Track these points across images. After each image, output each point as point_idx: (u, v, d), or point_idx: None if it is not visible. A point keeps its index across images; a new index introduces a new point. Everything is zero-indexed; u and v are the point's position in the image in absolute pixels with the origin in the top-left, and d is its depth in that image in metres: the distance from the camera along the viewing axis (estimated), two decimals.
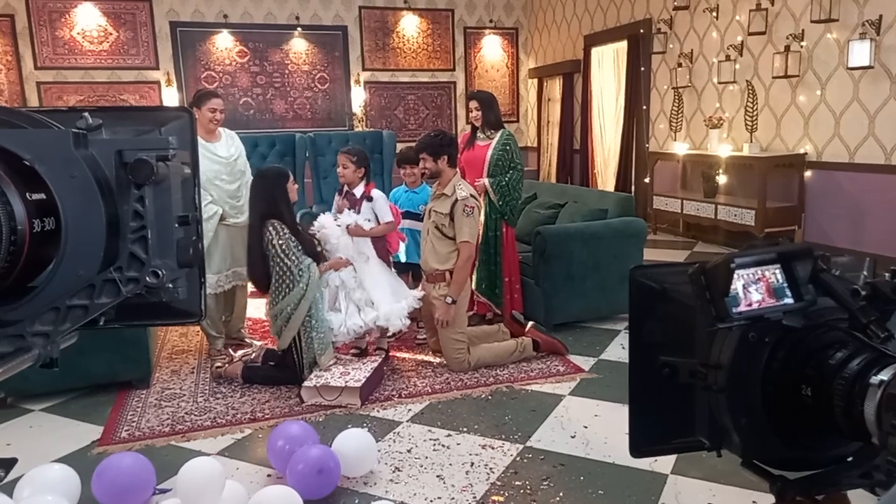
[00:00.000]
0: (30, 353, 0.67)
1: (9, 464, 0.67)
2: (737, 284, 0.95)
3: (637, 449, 1.10)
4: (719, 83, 6.84)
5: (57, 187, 0.67)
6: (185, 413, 3.27)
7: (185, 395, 3.51)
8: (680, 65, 7.37)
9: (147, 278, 0.70)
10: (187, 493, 2.22)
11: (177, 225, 0.73)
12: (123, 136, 0.75)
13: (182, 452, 2.86)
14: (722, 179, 6.75)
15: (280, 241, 3.39)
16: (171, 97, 8.97)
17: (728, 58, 6.66)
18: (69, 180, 0.68)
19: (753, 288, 0.96)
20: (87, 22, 8.70)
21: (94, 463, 2.77)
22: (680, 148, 7.30)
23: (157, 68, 9.03)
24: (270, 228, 3.40)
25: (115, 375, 3.53)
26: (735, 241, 6.64)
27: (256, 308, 4.75)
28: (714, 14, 6.86)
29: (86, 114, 0.73)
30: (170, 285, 0.72)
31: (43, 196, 0.67)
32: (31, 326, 0.68)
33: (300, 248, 3.45)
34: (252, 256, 3.53)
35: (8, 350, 0.67)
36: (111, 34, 8.83)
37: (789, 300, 0.98)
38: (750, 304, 0.96)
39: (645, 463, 2.68)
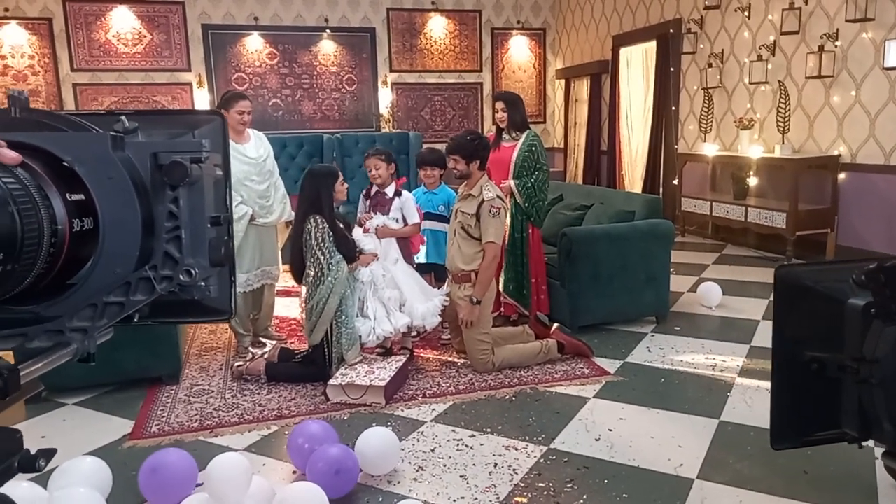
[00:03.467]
0: (69, 348, 0.70)
1: (49, 454, 0.69)
2: None
3: (779, 441, 1.14)
4: (751, 84, 6.74)
5: (95, 188, 0.69)
6: (213, 409, 3.33)
7: (213, 391, 3.57)
8: (710, 65, 7.27)
9: (181, 276, 0.72)
10: (215, 487, 2.26)
11: (209, 225, 0.75)
12: (158, 138, 0.77)
13: (210, 448, 2.91)
14: (752, 181, 6.64)
15: (318, 234, 3.48)
16: (202, 98, 9.12)
17: (760, 58, 6.56)
18: (107, 181, 0.70)
19: None
20: (122, 25, 8.89)
21: (125, 456, 2.85)
22: (710, 149, 7.21)
23: (189, 70, 9.19)
24: (311, 221, 3.51)
25: (146, 371, 3.60)
26: (766, 244, 6.54)
27: (284, 307, 4.81)
28: (746, 13, 6.76)
29: (123, 117, 0.75)
30: (202, 283, 0.75)
31: (82, 196, 0.69)
32: (70, 322, 0.70)
33: (335, 244, 3.50)
34: (293, 249, 3.65)
35: (48, 345, 0.70)
36: (145, 37, 9.01)
37: None
38: None
39: (670, 467, 2.66)
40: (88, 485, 2.35)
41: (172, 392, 3.55)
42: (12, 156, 0.63)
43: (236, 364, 3.77)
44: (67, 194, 0.67)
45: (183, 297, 0.76)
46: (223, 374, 3.81)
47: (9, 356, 0.66)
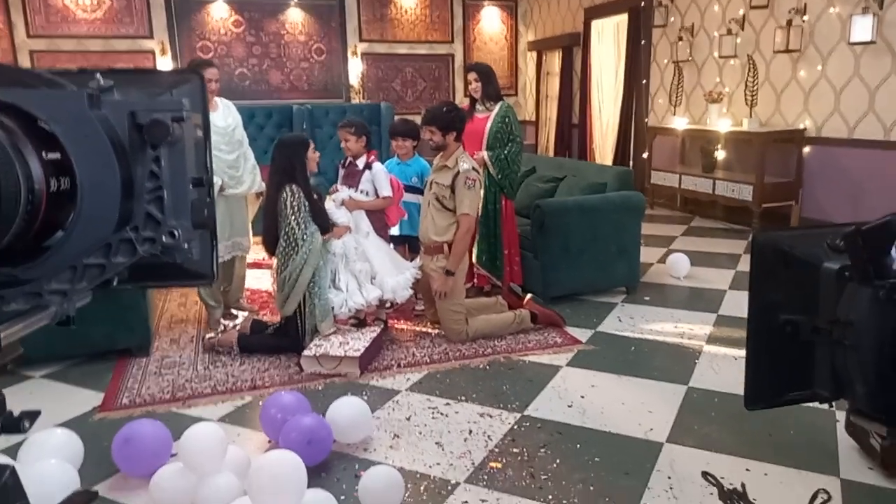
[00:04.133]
0: (47, 311, 0.68)
1: (33, 415, 0.68)
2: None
3: (753, 402, 1.18)
4: (720, 57, 6.80)
5: (72, 148, 0.67)
6: (185, 381, 3.30)
7: (184, 363, 3.53)
8: (681, 38, 7.31)
9: (164, 238, 0.71)
10: (190, 457, 2.25)
11: (191, 186, 0.74)
12: (136, 97, 0.75)
13: (182, 419, 2.89)
14: (721, 155, 6.74)
15: (294, 203, 3.43)
16: (165, 66, 8.86)
17: (729, 32, 6.61)
18: (84, 140, 0.68)
19: None
20: None
21: (95, 428, 2.82)
22: (679, 123, 7.28)
23: (152, 37, 8.92)
24: (287, 190, 3.46)
25: (114, 343, 3.55)
26: (733, 216, 6.67)
27: (255, 279, 4.76)
28: None
29: (98, 75, 0.73)
30: (185, 245, 0.73)
31: (58, 156, 0.67)
32: (49, 284, 0.69)
33: (310, 214, 3.47)
34: (266, 219, 3.58)
35: (25, 307, 0.68)
36: (104, 2, 8.70)
37: None
38: None
39: (640, 431, 2.73)
40: (59, 456, 2.32)
41: (143, 364, 3.51)
42: None
43: (208, 336, 3.74)
44: (44, 152, 0.65)
45: (164, 259, 0.74)
46: (194, 346, 3.77)
47: None
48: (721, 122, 6.63)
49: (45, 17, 8.51)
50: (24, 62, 8.49)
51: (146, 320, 3.65)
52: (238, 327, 3.74)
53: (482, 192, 4.12)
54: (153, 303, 4.14)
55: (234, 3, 9.15)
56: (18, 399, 3.13)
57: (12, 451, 2.37)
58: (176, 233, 0.71)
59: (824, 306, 1.07)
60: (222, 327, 3.86)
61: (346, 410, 2.63)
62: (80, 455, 2.45)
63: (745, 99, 6.46)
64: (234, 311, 4.25)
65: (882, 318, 1.02)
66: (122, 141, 0.71)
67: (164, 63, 8.87)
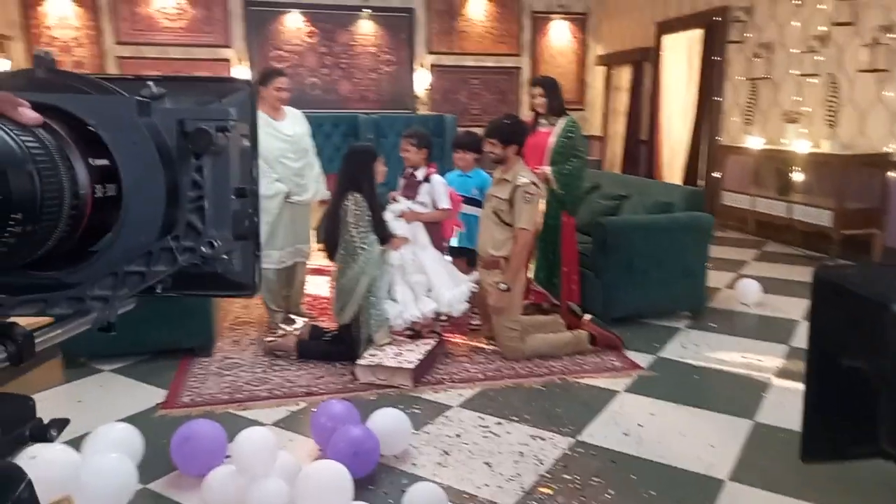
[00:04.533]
0: (88, 316, 0.68)
1: (62, 423, 0.68)
2: None
3: (810, 455, 1.07)
4: (800, 75, 6.51)
5: (119, 154, 0.67)
6: (244, 383, 3.36)
7: (244, 364, 3.60)
8: (757, 55, 7.05)
9: (202, 248, 0.70)
10: (242, 460, 2.28)
11: (234, 196, 0.72)
12: (185, 105, 0.74)
13: (239, 421, 2.93)
14: (798, 176, 6.44)
15: (356, 212, 3.46)
16: (241, 75, 9.16)
17: (810, 49, 6.33)
18: (131, 147, 0.68)
19: None
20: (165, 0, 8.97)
21: (156, 424, 2.89)
22: (754, 142, 7.01)
23: (229, 46, 9.25)
24: (351, 198, 3.49)
25: (179, 342, 3.66)
26: (809, 242, 6.35)
27: (316, 285, 4.83)
28: (798, 2, 6.52)
29: (150, 82, 0.73)
30: (224, 256, 0.72)
31: (106, 162, 0.67)
32: (91, 290, 0.68)
33: (371, 224, 3.49)
34: (328, 225, 3.62)
35: (68, 312, 0.68)
36: (187, 12, 9.09)
37: None
38: None
39: (700, 466, 2.60)
40: (120, 450, 2.38)
41: (205, 364, 3.59)
42: (33, 116, 0.61)
43: (268, 339, 3.80)
44: (90, 159, 0.65)
45: (206, 269, 0.73)
46: (255, 348, 3.84)
47: (26, 322, 0.64)
48: (799, 143, 6.33)
49: (132, 24, 8.95)
50: (112, 68, 8.95)
51: (210, 321, 3.74)
52: (297, 332, 3.79)
53: (542, 206, 4.06)
54: (217, 304, 4.25)
55: (309, 14, 9.40)
56: (88, 391, 3.27)
57: (76, 443, 2.45)
58: (215, 243, 0.70)
59: (894, 352, 0.96)
60: (282, 331, 3.92)
61: (386, 421, 2.61)
62: (140, 450, 2.51)
63: (826, 119, 6.16)
64: (293, 316, 4.31)
65: None
66: (170, 149, 0.71)
67: (240, 71, 9.18)
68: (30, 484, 0.68)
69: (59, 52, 8.72)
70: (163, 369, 3.51)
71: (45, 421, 0.68)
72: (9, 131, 0.57)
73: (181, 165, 0.71)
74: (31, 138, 0.59)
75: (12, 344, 0.61)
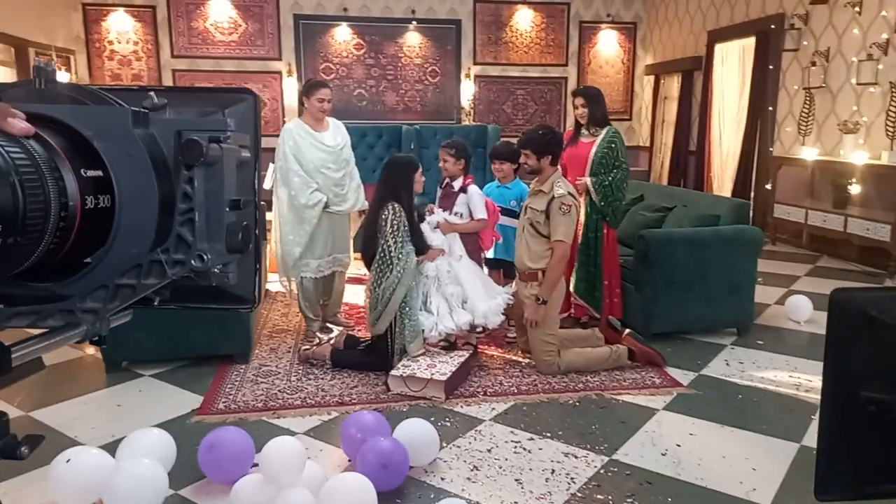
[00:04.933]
0: (78, 329, 0.68)
1: (35, 441, 0.67)
2: None
3: (824, 491, 0.99)
4: (858, 84, 6.25)
5: (114, 165, 0.67)
6: (278, 391, 3.39)
7: (280, 373, 3.63)
8: (814, 63, 6.80)
9: (192, 262, 0.69)
10: (270, 469, 2.28)
11: (228, 209, 0.71)
12: (185, 116, 0.74)
13: (271, 429, 2.96)
14: (855, 189, 6.17)
15: (395, 221, 3.47)
16: (290, 87, 9.36)
17: (870, 57, 6.07)
18: (126, 158, 0.67)
19: None
20: (220, 14, 9.24)
21: (191, 431, 2.93)
22: (808, 153, 6.75)
23: (280, 59, 9.45)
24: (389, 208, 3.50)
25: (218, 349, 3.71)
26: (866, 257, 6.07)
27: (354, 294, 4.85)
28: (856, 9, 6.27)
29: (151, 93, 0.73)
30: (216, 270, 0.71)
31: (100, 173, 0.67)
32: (82, 303, 0.68)
33: (409, 235, 3.49)
34: (366, 234, 3.64)
35: (59, 324, 0.68)
36: (240, 26, 9.33)
37: None
38: None
39: (741, 490, 2.49)
40: (153, 456, 2.42)
41: (241, 371, 3.64)
42: (22, 126, 0.61)
43: (303, 347, 3.83)
44: (83, 170, 0.65)
45: (201, 282, 0.72)
46: (291, 356, 3.88)
47: (4, 335, 0.64)
48: (856, 155, 6.07)
49: (188, 38, 9.24)
50: (168, 80, 9.25)
51: (249, 329, 3.80)
52: (332, 341, 3.81)
53: (582, 218, 3.99)
54: (257, 312, 4.31)
55: (357, 26, 9.53)
56: (128, 396, 3.35)
57: (112, 447, 2.50)
58: (205, 256, 0.69)
59: None
60: (318, 340, 3.94)
61: (413, 433, 2.59)
62: (173, 457, 2.55)
63: (887, 130, 5.89)
64: (330, 325, 4.34)
65: None
66: (167, 160, 0.70)
67: (290, 83, 9.37)
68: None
69: (118, 65, 9.08)
70: (201, 375, 3.56)
71: (19, 437, 0.68)
72: None
73: (178, 176, 0.70)
74: (17, 149, 0.59)
75: None
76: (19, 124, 0.60)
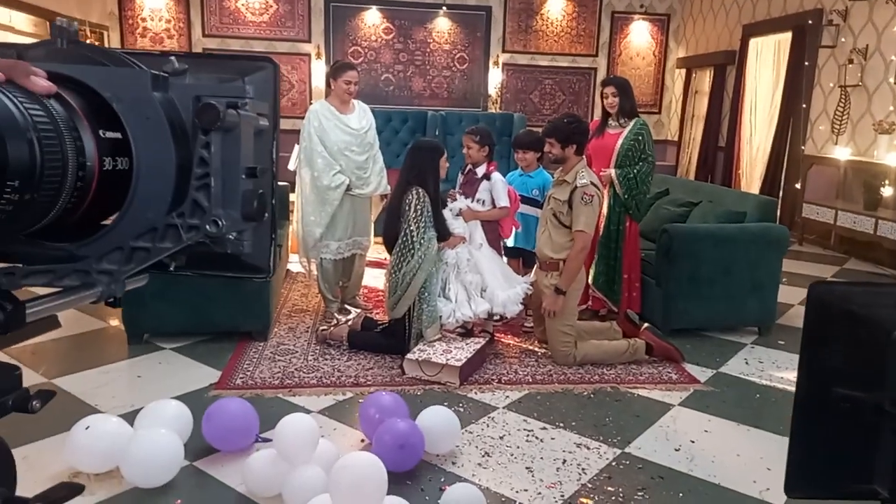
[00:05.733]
0: (94, 290, 0.69)
1: (46, 396, 0.68)
2: None
3: (794, 489, 0.98)
4: None
5: (132, 127, 0.67)
6: (295, 369, 3.42)
7: (297, 351, 3.66)
8: (851, 61, 6.63)
9: (207, 227, 0.69)
10: (283, 445, 2.31)
11: (244, 176, 0.71)
12: (204, 82, 0.74)
13: (286, 406, 2.99)
14: (887, 191, 6.03)
15: (418, 206, 3.46)
16: (319, 69, 9.36)
17: None
18: (144, 121, 0.68)
19: None
20: None
21: (208, 404, 2.96)
22: (841, 153, 6.61)
23: (309, 41, 9.45)
24: (414, 192, 3.49)
25: (238, 325, 3.76)
26: None
27: (373, 277, 4.87)
28: None
29: (172, 58, 0.73)
30: (231, 237, 0.71)
31: (119, 135, 0.67)
32: (98, 264, 0.69)
33: (431, 220, 3.48)
34: (389, 218, 3.63)
35: (75, 284, 0.69)
36: (271, 7, 9.34)
37: None
38: None
39: (755, 489, 2.46)
40: (170, 427, 2.47)
41: (260, 348, 3.68)
42: (44, 85, 0.61)
43: (321, 328, 3.86)
44: (102, 131, 0.65)
45: (216, 249, 0.72)
46: (309, 336, 3.91)
47: (21, 293, 0.65)
48: (891, 156, 5.93)
49: (219, 17, 9.28)
50: None
51: (269, 307, 3.83)
52: (350, 323, 3.83)
53: (605, 210, 3.95)
54: (277, 290, 4.34)
55: (387, 10, 9.50)
56: (148, 368, 3.40)
57: (131, 417, 2.55)
58: (220, 222, 0.69)
59: (894, 382, 0.85)
60: (336, 321, 3.97)
61: (436, 419, 2.59)
62: (189, 428, 2.59)
63: None
64: (349, 307, 4.36)
65: None
66: (185, 124, 0.70)
67: (318, 66, 9.37)
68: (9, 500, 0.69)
69: (150, 42, 9.16)
70: (220, 351, 3.61)
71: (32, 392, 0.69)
72: (13, 98, 0.58)
73: (195, 141, 0.70)
74: (37, 107, 0.59)
75: (1, 312, 0.62)
76: (41, 83, 0.61)
